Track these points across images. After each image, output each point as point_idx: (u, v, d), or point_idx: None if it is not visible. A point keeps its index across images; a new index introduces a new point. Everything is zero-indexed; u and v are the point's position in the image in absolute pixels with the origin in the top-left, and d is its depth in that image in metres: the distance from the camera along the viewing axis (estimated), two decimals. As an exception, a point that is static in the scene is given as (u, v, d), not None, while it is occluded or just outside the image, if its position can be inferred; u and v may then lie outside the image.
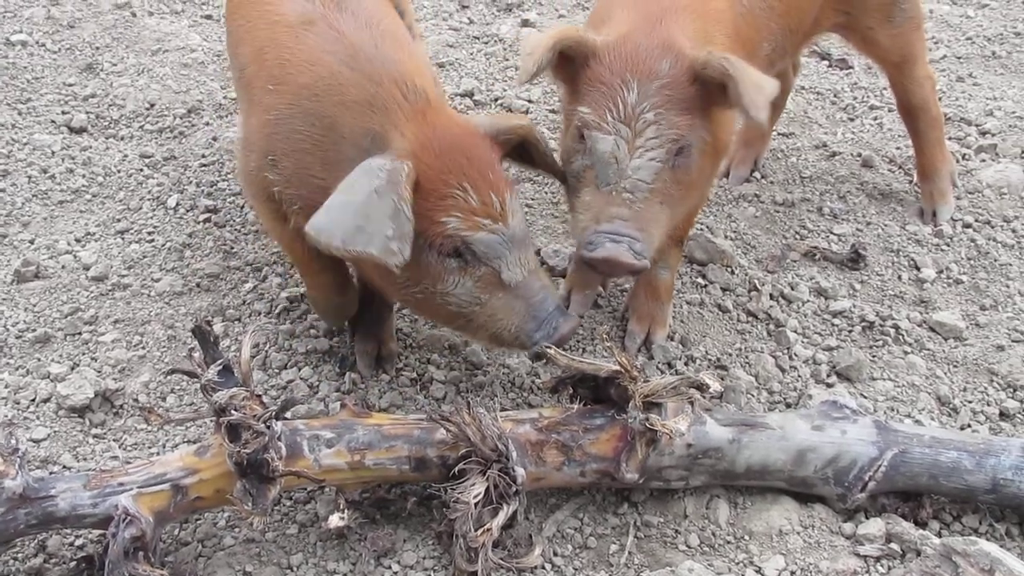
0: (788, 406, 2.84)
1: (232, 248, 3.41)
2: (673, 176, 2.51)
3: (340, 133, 2.44)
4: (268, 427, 2.18)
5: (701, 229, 3.43)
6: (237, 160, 2.87)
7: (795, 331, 3.09)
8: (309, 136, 2.48)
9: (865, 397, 2.86)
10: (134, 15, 4.84)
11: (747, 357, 2.99)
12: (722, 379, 2.88)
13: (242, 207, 3.60)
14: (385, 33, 2.59)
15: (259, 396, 2.26)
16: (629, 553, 2.42)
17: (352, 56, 2.48)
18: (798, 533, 2.45)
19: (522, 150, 2.61)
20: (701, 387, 2.34)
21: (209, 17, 4.96)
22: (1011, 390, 2.91)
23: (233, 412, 2.17)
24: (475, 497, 2.20)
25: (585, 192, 2.53)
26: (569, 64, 2.56)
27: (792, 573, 2.36)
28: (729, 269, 3.29)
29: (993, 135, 4.01)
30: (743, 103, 2.42)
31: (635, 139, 2.45)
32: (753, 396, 2.86)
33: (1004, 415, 2.84)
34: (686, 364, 2.96)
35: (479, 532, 2.20)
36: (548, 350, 2.38)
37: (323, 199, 2.34)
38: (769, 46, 2.99)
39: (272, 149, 2.55)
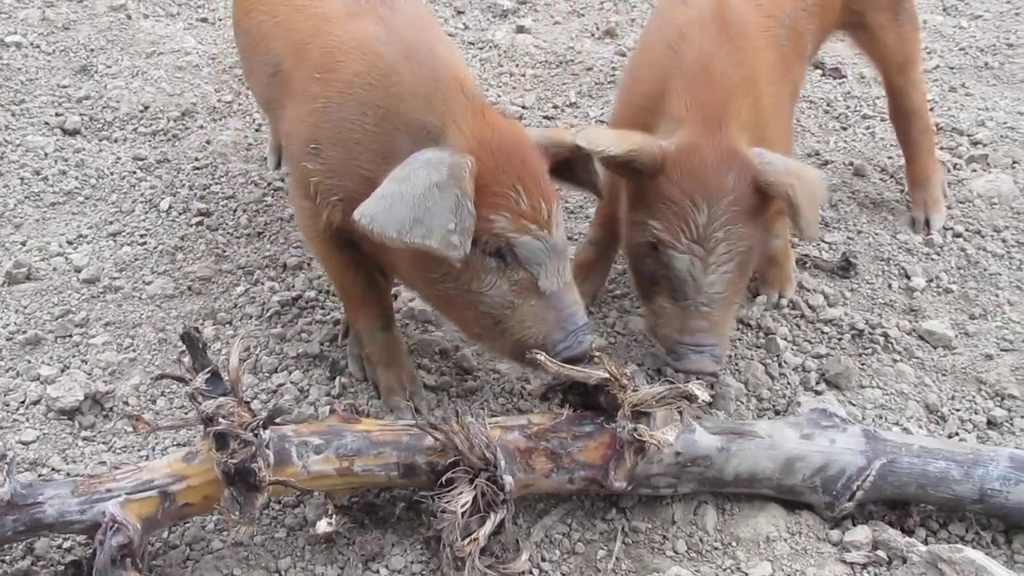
0: (777, 413, 2.84)
1: (224, 251, 3.42)
2: (740, 274, 2.67)
3: (394, 125, 2.43)
4: (256, 436, 2.17)
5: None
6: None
7: (785, 338, 3.09)
8: (359, 126, 2.47)
9: (853, 405, 2.87)
10: (129, 17, 4.85)
11: (737, 364, 3.00)
12: (712, 386, 2.88)
13: (235, 210, 3.61)
14: (436, 36, 2.62)
15: (248, 403, 2.26)
16: (617, 559, 2.42)
17: (408, 51, 2.48)
18: (785, 540, 2.46)
19: (564, 167, 2.60)
20: (690, 397, 2.35)
21: (204, 20, 4.97)
22: (999, 399, 2.92)
23: (221, 421, 2.16)
24: (462, 507, 2.20)
25: (662, 299, 2.68)
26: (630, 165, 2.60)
27: (778, 580, 2.38)
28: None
29: (984, 145, 4.02)
30: (801, 226, 2.58)
31: (708, 256, 2.57)
32: (743, 403, 2.87)
33: (992, 423, 2.84)
34: (676, 371, 2.96)
35: (466, 541, 2.19)
36: (538, 356, 2.38)
37: (368, 191, 2.34)
38: (811, 47, 3.13)
39: (316, 138, 2.54)
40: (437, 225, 2.22)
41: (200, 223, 3.55)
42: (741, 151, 2.58)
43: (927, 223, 3.58)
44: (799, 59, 3.05)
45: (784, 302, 3.24)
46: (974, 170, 3.88)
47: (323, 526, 2.31)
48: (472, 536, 2.21)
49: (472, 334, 2.58)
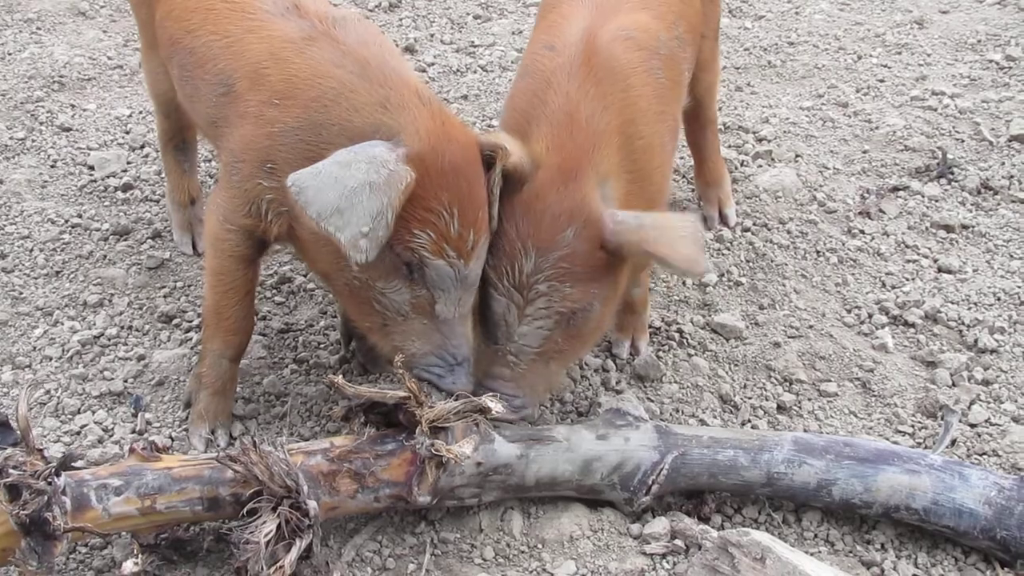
0: (580, 415, 2.95)
1: (21, 293, 3.33)
2: (566, 334, 2.58)
3: (349, 137, 2.40)
4: (49, 484, 2.15)
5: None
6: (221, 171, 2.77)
7: (586, 341, 3.20)
8: (315, 146, 2.44)
9: (652, 401, 3.00)
10: (-88, 51, 4.67)
11: (540, 370, 3.09)
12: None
13: (31, 250, 3.52)
14: (388, 50, 2.61)
15: (40, 450, 2.23)
16: (427, 571, 2.48)
17: (362, 66, 2.48)
18: (588, 537, 2.56)
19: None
20: (483, 411, 2.42)
21: (-7, 52, 4.82)
22: (787, 384, 3.10)
23: (11, 472, 2.13)
24: (266, 536, 2.21)
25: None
26: None
27: (583, 577, 2.47)
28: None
29: (769, 141, 4.24)
30: (678, 272, 2.52)
31: (525, 307, 2.51)
32: (547, 407, 2.96)
33: (781, 408, 3.02)
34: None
35: (272, 570, 2.22)
36: (335, 379, 2.42)
37: None
38: (687, 74, 3.15)
39: (272, 159, 2.51)
40: (354, 223, 2.20)
41: (-6, 266, 3.45)
42: (589, 208, 2.50)
43: (723, 218, 3.75)
44: (676, 88, 3.02)
45: (640, 350, 3.18)
46: (760, 165, 4.08)
47: (129, 567, 2.28)
48: (278, 564, 2.23)
49: (363, 327, 2.60)
